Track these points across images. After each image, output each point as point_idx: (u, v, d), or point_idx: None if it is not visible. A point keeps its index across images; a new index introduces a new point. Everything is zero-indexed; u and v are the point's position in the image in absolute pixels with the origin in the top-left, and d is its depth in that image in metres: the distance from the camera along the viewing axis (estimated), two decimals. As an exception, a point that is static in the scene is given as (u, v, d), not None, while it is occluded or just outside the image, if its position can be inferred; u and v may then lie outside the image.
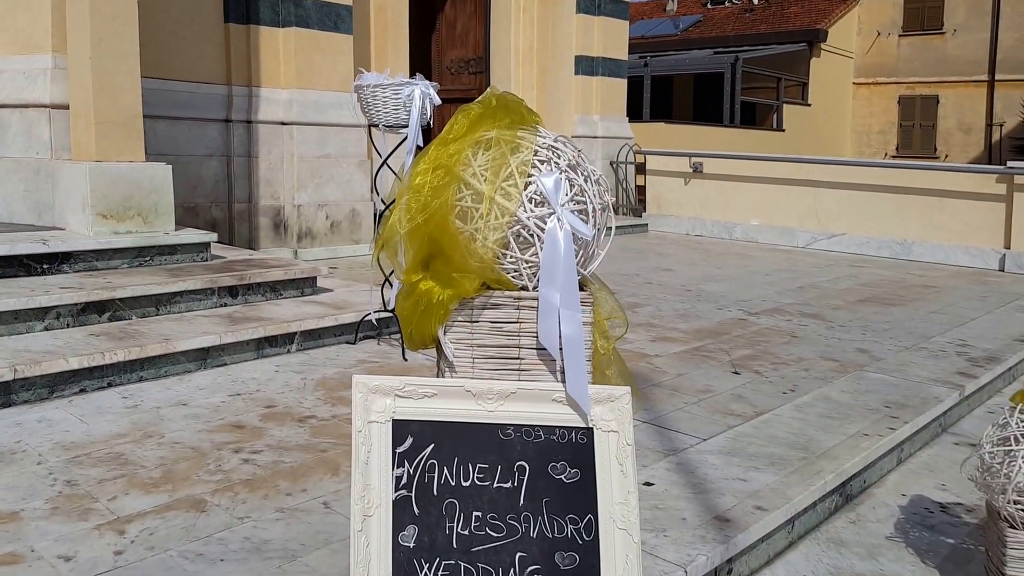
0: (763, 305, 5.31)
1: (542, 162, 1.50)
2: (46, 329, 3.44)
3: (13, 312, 3.35)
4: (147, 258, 4.24)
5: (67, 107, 4.41)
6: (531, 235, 1.48)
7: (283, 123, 6.32)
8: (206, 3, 6.02)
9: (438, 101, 3.42)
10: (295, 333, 3.79)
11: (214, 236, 4.55)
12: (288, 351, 3.78)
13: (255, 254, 4.97)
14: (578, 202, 1.52)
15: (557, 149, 1.53)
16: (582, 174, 1.54)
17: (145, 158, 4.46)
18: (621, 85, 9.92)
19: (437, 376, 1.67)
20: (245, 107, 6.26)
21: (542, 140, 1.53)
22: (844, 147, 20.72)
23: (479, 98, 1.61)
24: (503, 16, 8.85)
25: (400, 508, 1.48)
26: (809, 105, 19.14)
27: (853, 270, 7.12)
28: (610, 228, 1.63)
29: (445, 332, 1.56)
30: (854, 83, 21.01)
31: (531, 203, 1.48)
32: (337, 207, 6.63)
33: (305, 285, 4.38)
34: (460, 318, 1.56)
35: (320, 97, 6.42)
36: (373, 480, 1.47)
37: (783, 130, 17.85)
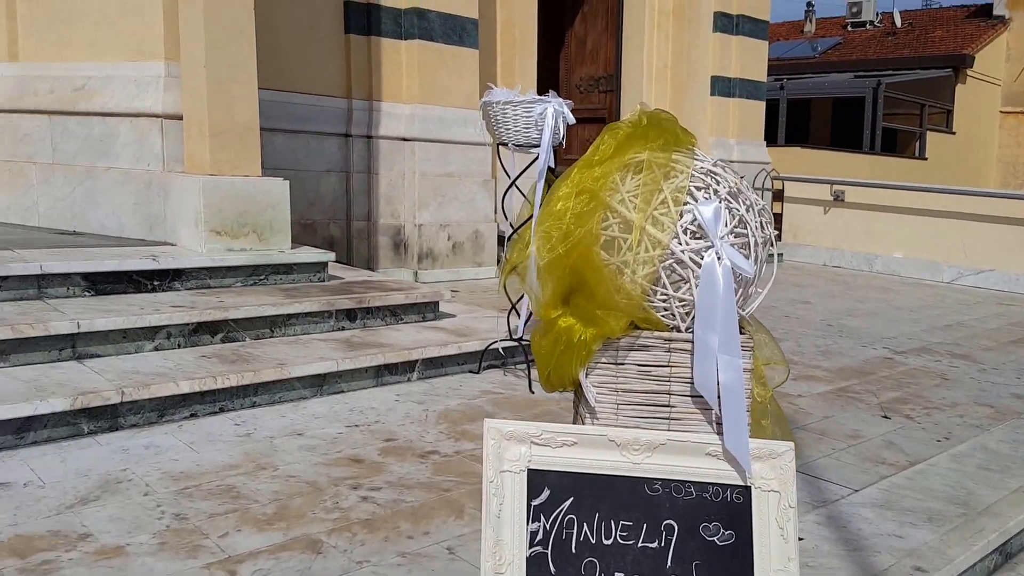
0: (909, 343, 5.35)
1: (699, 189, 1.46)
2: (156, 349, 3.64)
3: (122, 331, 3.55)
4: (261, 277, 4.45)
5: (180, 117, 4.65)
6: (686, 270, 1.44)
7: (404, 139, 6.54)
8: (327, 13, 6.32)
9: (572, 120, 3.44)
10: (416, 361, 3.88)
11: (331, 256, 4.73)
12: (408, 379, 3.87)
13: (374, 275, 5.13)
14: (739, 235, 1.47)
15: (716, 175, 1.49)
16: (744, 203, 1.49)
17: (262, 172, 4.70)
18: (759, 108, 10.05)
19: (575, 421, 1.65)
20: (365, 121, 6.52)
21: (700, 164, 1.50)
22: (988, 178, 20.25)
23: (628, 116, 1.60)
24: (635, 33, 8.98)
25: (535, 566, 1.47)
26: (954, 133, 18.91)
27: (1003, 308, 7.09)
28: (771, 261, 1.58)
29: (587, 374, 1.54)
30: (1001, 112, 20.46)
31: (686, 234, 1.44)
32: (459, 227, 6.77)
33: (427, 310, 4.49)
34: (604, 360, 1.53)
35: (444, 113, 6.61)
36: (505, 535, 1.46)
37: (925, 158, 17.75)
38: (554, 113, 3.39)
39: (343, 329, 4.18)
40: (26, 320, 3.38)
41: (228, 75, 4.42)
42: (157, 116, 4.69)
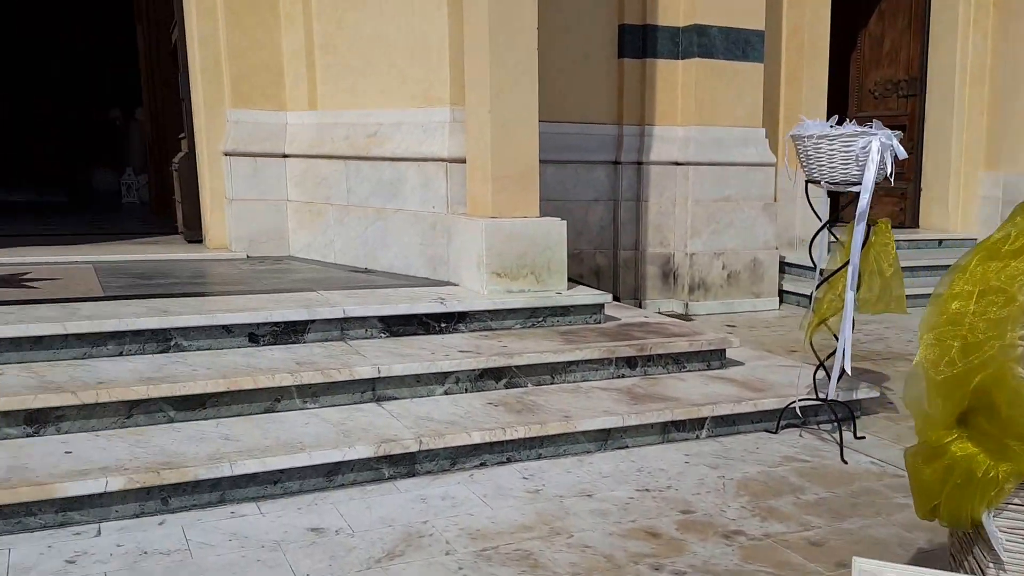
0: None
1: None
2: (445, 393, 3.77)
3: (416, 376, 3.72)
4: (539, 319, 4.47)
5: (463, 161, 4.81)
6: None
7: (677, 163, 6.37)
8: (600, 40, 6.32)
9: (903, 153, 3.06)
10: (706, 418, 3.69)
11: (608, 297, 4.66)
12: (697, 437, 3.69)
13: (651, 316, 5.00)
14: None
15: None
16: None
17: (539, 212, 4.75)
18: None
19: (956, 564, 1.38)
20: (636, 147, 6.43)
21: None
22: None
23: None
24: (945, 30, 8.12)
25: None
26: None
27: None
28: None
29: (993, 516, 1.27)
30: None
31: None
32: (735, 256, 6.48)
33: (712, 357, 4.28)
34: (1017, 500, 1.26)
35: (722, 134, 6.36)
36: None
37: None
38: (879, 147, 3.03)
39: (623, 377, 4.09)
40: (334, 364, 3.63)
41: (511, 118, 4.51)
42: (442, 160, 4.89)
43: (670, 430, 3.64)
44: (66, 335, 3.58)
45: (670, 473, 3.31)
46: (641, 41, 6.34)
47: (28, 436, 3.13)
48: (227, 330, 3.87)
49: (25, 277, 4.73)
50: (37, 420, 3.14)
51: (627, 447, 3.57)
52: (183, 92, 6.06)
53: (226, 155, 5.77)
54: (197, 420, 3.37)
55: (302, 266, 5.53)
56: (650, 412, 3.59)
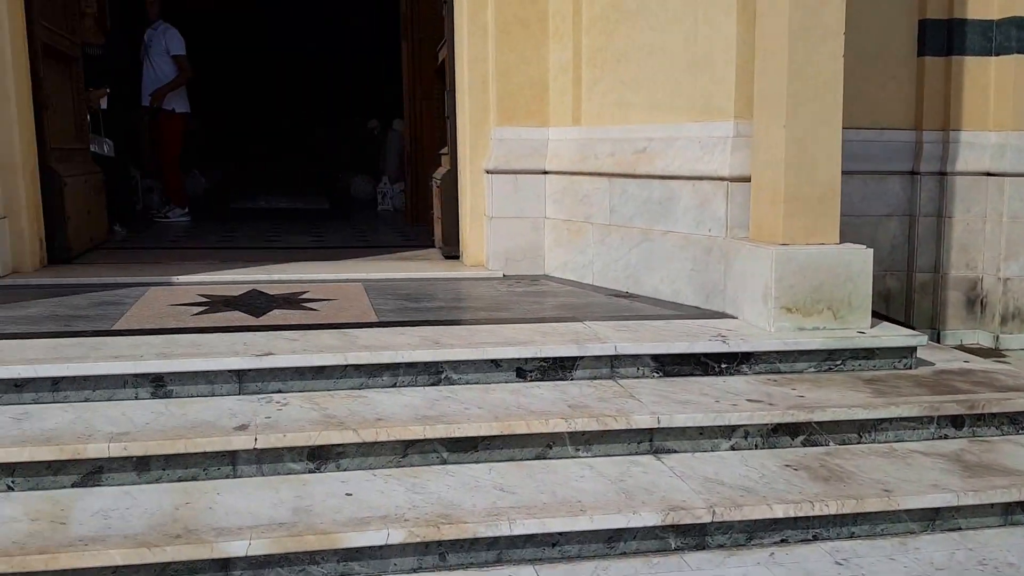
0: None
1: None
2: (732, 449, 3.40)
3: (699, 428, 3.38)
4: (837, 362, 3.96)
5: (747, 180, 4.38)
6: None
7: (989, 174, 5.55)
8: (896, 37, 5.63)
9: None
10: (1063, 501, 3.05)
11: (923, 339, 4.04)
12: (1052, 520, 3.06)
13: (973, 361, 4.28)
14: None
15: None
16: None
17: (839, 240, 4.22)
18: None
19: None
20: (938, 155, 5.67)
21: None
22: None
23: None
24: None
25: None
26: None
27: None
28: None
29: None
30: None
31: None
32: (1060, 283, 5.54)
33: (1056, 416, 3.57)
34: None
35: (1048, 140, 5.46)
36: None
37: None
38: None
39: (945, 438, 3.49)
40: (608, 411, 3.38)
41: (810, 133, 4.03)
42: (722, 179, 4.48)
43: (1014, 511, 3.04)
44: (345, 365, 3.60)
45: (1021, 569, 2.73)
46: (945, 37, 5.58)
47: (310, 472, 3.14)
48: (495, 364, 3.75)
49: (303, 297, 4.92)
50: (319, 456, 3.15)
51: (959, 529, 3.01)
52: (448, 110, 6.11)
53: (488, 173, 5.73)
54: (469, 463, 3.25)
55: (559, 288, 5.36)
56: (992, 489, 3.01)
